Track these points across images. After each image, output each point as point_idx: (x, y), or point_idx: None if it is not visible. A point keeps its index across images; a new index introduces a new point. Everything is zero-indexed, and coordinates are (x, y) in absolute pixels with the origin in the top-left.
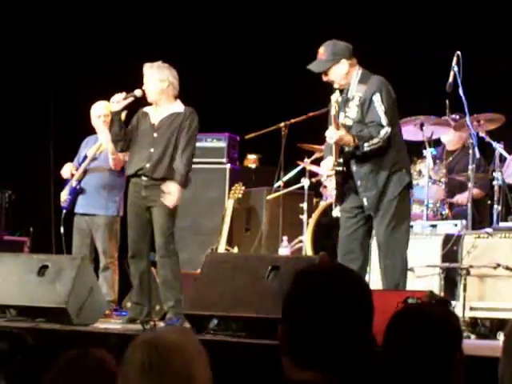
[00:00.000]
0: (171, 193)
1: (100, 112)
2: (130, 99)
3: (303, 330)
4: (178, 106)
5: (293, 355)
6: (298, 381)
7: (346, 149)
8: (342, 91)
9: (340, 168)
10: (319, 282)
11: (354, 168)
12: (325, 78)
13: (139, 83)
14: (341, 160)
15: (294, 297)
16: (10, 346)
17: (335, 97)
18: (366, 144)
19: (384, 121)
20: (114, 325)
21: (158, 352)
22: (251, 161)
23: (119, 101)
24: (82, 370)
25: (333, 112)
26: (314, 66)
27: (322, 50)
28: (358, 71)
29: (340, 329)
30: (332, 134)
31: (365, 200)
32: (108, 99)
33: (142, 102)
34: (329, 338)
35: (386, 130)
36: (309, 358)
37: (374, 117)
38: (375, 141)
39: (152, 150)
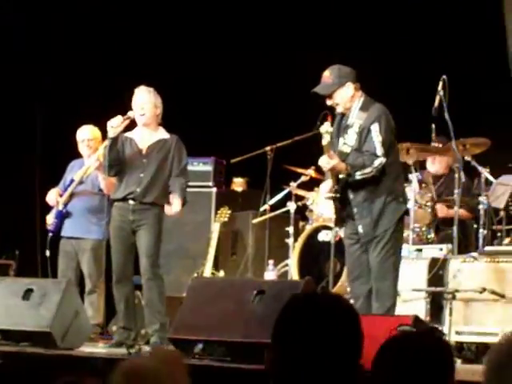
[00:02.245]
0: (174, 204)
1: (84, 136)
2: (126, 122)
3: (291, 357)
4: (163, 133)
5: (278, 380)
6: None
7: (341, 176)
8: (342, 116)
9: (336, 194)
10: (309, 310)
11: (350, 195)
12: (329, 102)
13: (126, 106)
14: (337, 187)
15: (283, 324)
16: None
17: (325, 128)
18: (358, 173)
19: (379, 151)
20: (100, 349)
21: (130, 381)
22: (237, 184)
23: (118, 125)
24: None
25: (324, 142)
26: (319, 89)
27: (327, 74)
28: (360, 98)
29: (328, 357)
30: (325, 164)
31: (360, 228)
32: (94, 123)
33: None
34: (316, 366)
35: (380, 161)
36: None
37: (370, 147)
38: (367, 170)
39: (142, 175)
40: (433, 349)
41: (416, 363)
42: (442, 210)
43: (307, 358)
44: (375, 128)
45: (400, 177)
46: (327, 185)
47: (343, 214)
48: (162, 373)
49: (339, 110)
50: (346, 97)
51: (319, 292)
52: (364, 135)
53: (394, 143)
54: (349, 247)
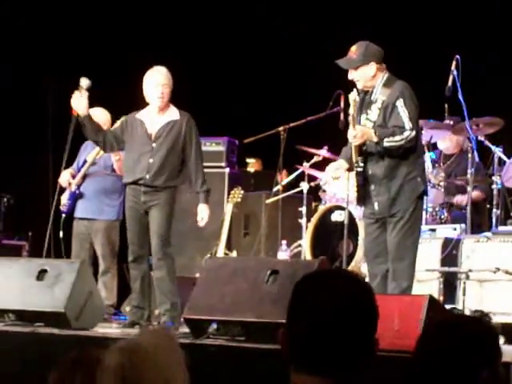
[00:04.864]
0: (204, 216)
1: None
2: (85, 94)
3: (305, 334)
4: (173, 112)
5: (294, 360)
6: None
7: (365, 148)
8: (365, 93)
9: (360, 169)
10: (322, 286)
11: (369, 171)
12: (350, 76)
13: (138, 87)
14: (360, 158)
15: (297, 301)
16: None
17: (353, 95)
18: (386, 139)
19: (408, 125)
20: (113, 329)
21: (131, 359)
22: (250, 165)
23: (80, 102)
24: (87, 368)
25: (351, 111)
26: (342, 63)
27: (354, 49)
28: (384, 75)
29: (342, 333)
30: (353, 133)
31: (376, 204)
32: (106, 104)
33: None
34: (330, 343)
35: (409, 133)
36: (309, 363)
37: (397, 121)
38: (397, 138)
39: (151, 160)
40: (475, 334)
41: (455, 347)
42: (462, 201)
43: (319, 336)
44: (400, 103)
45: (421, 156)
46: (333, 166)
47: (364, 191)
48: (158, 348)
49: (359, 86)
50: (367, 76)
51: (330, 269)
52: (389, 111)
53: (418, 120)
54: (367, 227)
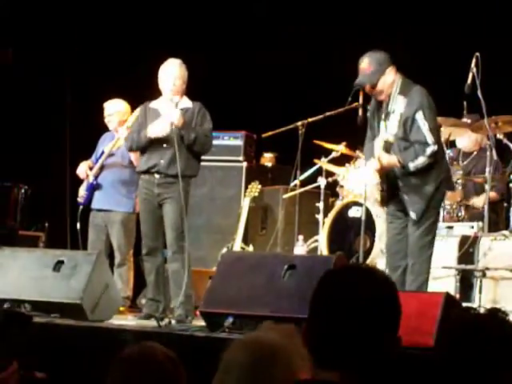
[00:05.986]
0: (174, 113)
1: (105, 112)
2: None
3: (327, 329)
4: (186, 102)
5: (315, 355)
6: (319, 381)
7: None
8: (380, 104)
9: (382, 193)
10: (346, 281)
11: (400, 183)
12: (371, 91)
13: (152, 81)
14: (384, 185)
15: (320, 296)
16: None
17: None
18: (411, 164)
19: (430, 139)
20: (129, 321)
21: (262, 353)
22: (268, 159)
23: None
24: (153, 361)
25: (378, 150)
26: (364, 80)
27: (365, 64)
28: (398, 80)
29: (364, 329)
30: (377, 167)
31: (413, 215)
32: (123, 96)
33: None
34: (353, 338)
35: (431, 149)
36: (332, 358)
37: (418, 136)
38: (421, 160)
39: (165, 145)
40: (504, 335)
41: (487, 350)
42: (479, 204)
43: (342, 332)
44: (420, 116)
45: (444, 157)
46: (371, 166)
47: (389, 203)
48: (288, 347)
49: (382, 97)
50: (388, 82)
51: (355, 265)
52: (409, 125)
53: (438, 125)
54: (390, 223)
